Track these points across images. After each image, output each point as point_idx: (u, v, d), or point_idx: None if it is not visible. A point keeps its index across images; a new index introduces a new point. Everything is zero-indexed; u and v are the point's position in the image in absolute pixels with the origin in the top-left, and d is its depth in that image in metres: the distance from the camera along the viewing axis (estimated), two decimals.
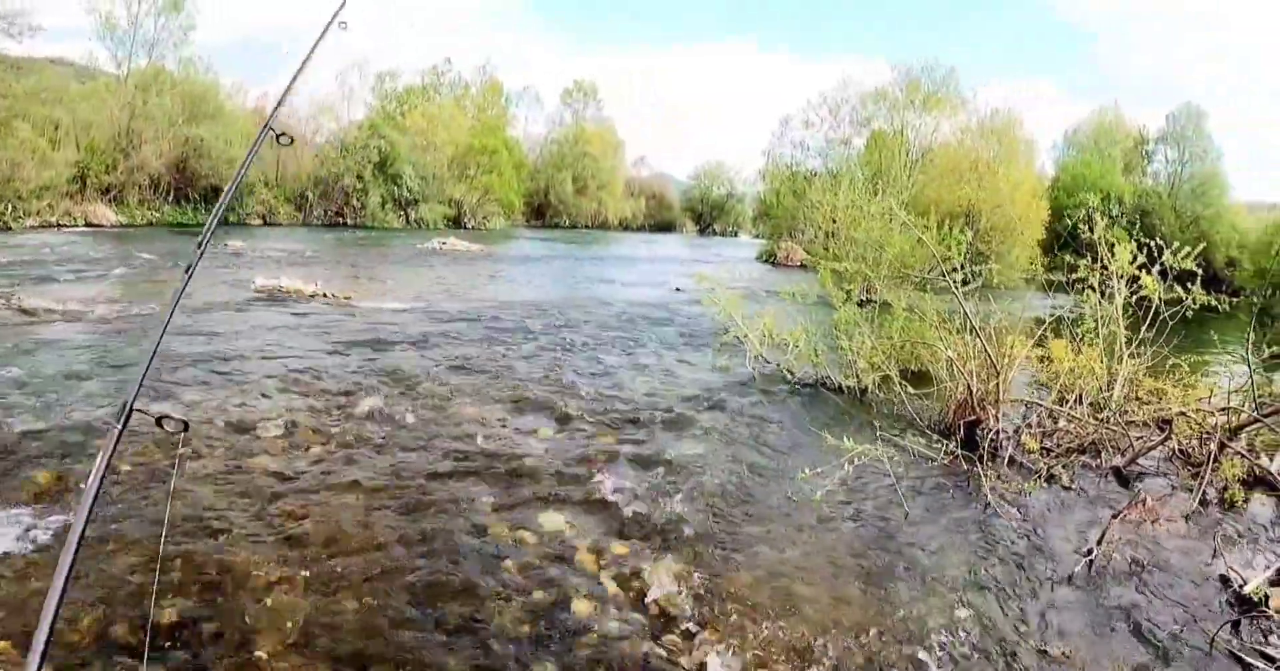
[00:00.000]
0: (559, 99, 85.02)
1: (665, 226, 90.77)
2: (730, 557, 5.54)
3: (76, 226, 34.01)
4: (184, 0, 44.89)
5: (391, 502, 5.94)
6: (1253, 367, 8.44)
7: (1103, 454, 8.29)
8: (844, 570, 5.50)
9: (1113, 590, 5.41)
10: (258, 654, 3.93)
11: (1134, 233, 9.29)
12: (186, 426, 2.19)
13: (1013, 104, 66.47)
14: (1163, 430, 8.36)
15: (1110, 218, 9.88)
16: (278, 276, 18.05)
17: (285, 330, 12.66)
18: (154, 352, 2.37)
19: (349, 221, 50.91)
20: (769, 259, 45.00)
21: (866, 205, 18.02)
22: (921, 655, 4.43)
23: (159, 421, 2.15)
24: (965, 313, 8.81)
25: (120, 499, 5.55)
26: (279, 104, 3.25)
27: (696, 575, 5.15)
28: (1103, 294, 9.34)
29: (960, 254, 9.18)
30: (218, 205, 3.10)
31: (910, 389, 9.51)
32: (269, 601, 4.38)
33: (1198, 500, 7.10)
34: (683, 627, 4.53)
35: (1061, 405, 8.96)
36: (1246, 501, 7.32)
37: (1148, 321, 9.06)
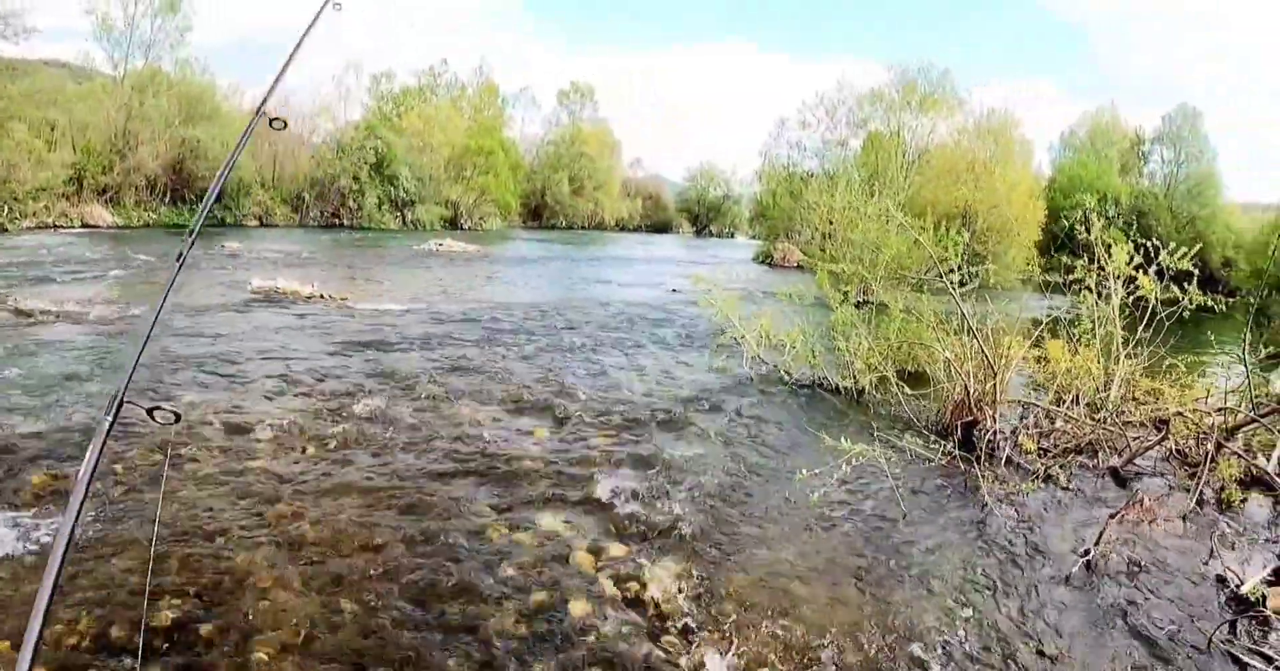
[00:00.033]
0: (555, 100, 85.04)
1: (661, 227, 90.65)
2: (728, 558, 5.54)
3: (73, 228, 33.94)
4: (181, 1, 44.90)
5: (390, 503, 5.94)
6: (1249, 368, 8.45)
7: (1100, 454, 8.31)
8: (842, 570, 5.50)
9: (1110, 590, 5.41)
10: (257, 655, 3.93)
11: (1130, 233, 9.32)
12: (178, 417, 2.17)
13: (1013, 104, 66.75)
14: (1160, 430, 8.37)
15: (1107, 218, 9.88)
16: (274, 278, 18.04)
17: (282, 331, 12.65)
18: (144, 343, 2.35)
19: (345, 222, 50.81)
20: (765, 260, 44.97)
21: (863, 206, 17.98)
22: (919, 655, 4.44)
23: (150, 413, 2.14)
24: (962, 313, 8.82)
25: (119, 500, 5.55)
26: (272, 88, 3.16)
27: (694, 576, 5.16)
28: (1099, 294, 9.35)
29: (957, 255, 9.19)
30: (211, 188, 3.06)
31: (907, 390, 9.52)
32: (268, 602, 4.38)
33: (1195, 500, 7.11)
34: (681, 628, 4.53)
35: (1058, 405, 8.97)
36: (1243, 501, 7.33)
37: (1144, 322, 9.08)
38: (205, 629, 4.09)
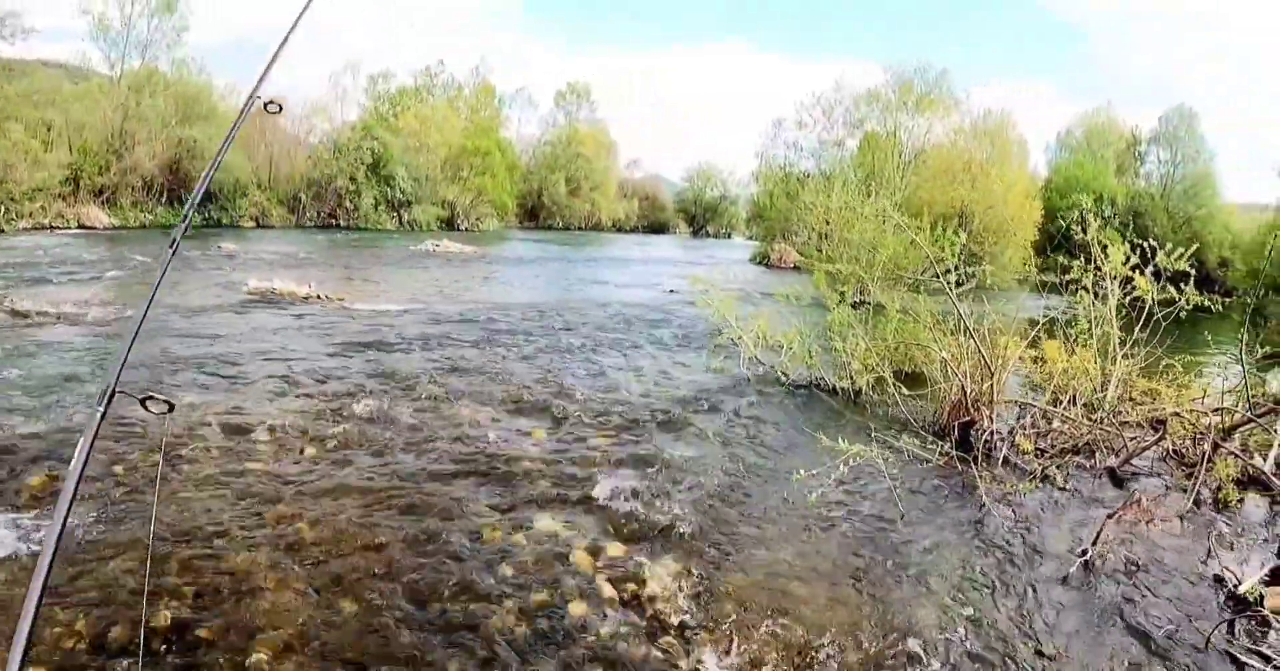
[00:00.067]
0: (552, 101, 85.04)
1: (658, 228, 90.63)
2: (727, 558, 5.54)
3: (69, 228, 33.93)
4: (177, 1, 44.86)
5: (390, 503, 5.93)
6: (1246, 368, 8.46)
7: (1097, 454, 8.31)
8: (840, 570, 5.50)
9: (1108, 590, 5.42)
10: (257, 655, 3.93)
11: (1127, 233, 9.32)
12: (171, 407, 2.17)
13: (1012, 105, 66.70)
14: (1157, 430, 8.38)
15: (1103, 219, 9.89)
16: (271, 278, 18.03)
17: (279, 332, 12.65)
18: (136, 332, 2.34)
19: (342, 223, 50.81)
20: (762, 261, 44.96)
21: (860, 207, 18.00)
22: (918, 655, 4.44)
23: (143, 402, 2.14)
24: (959, 314, 8.83)
25: (118, 501, 5.55)
26: (266, 70, 3.11)
27: (693, 575, 5.16)
28: (1096, 295, 9.35)
29: (954, 255, 9.20)
30: (206, 171, 3.03)
31: (905, 390, 9.53)
32: (268, 602, 4.38)
33: (1192, 500, 7.12)
34: (679, 628, 4.54)
35: (1055, 406, 8.98)
36: (1241, 501, 7.34)
37: (1141, 322, 9.08)
38: (204, 629, 4.08)
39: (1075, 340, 9.46)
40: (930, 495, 7.09)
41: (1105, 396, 8.98)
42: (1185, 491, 7.34)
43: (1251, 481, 7.67)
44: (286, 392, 8.86)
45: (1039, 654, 4.55)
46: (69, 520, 1.77)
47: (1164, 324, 8.95)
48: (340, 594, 4.55)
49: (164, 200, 41.43)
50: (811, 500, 6.34)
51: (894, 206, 13.41)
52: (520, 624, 4.42)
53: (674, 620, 4.61)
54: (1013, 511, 6.75)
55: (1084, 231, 9.30)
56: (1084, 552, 5.81)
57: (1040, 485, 7.32)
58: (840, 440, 6.64)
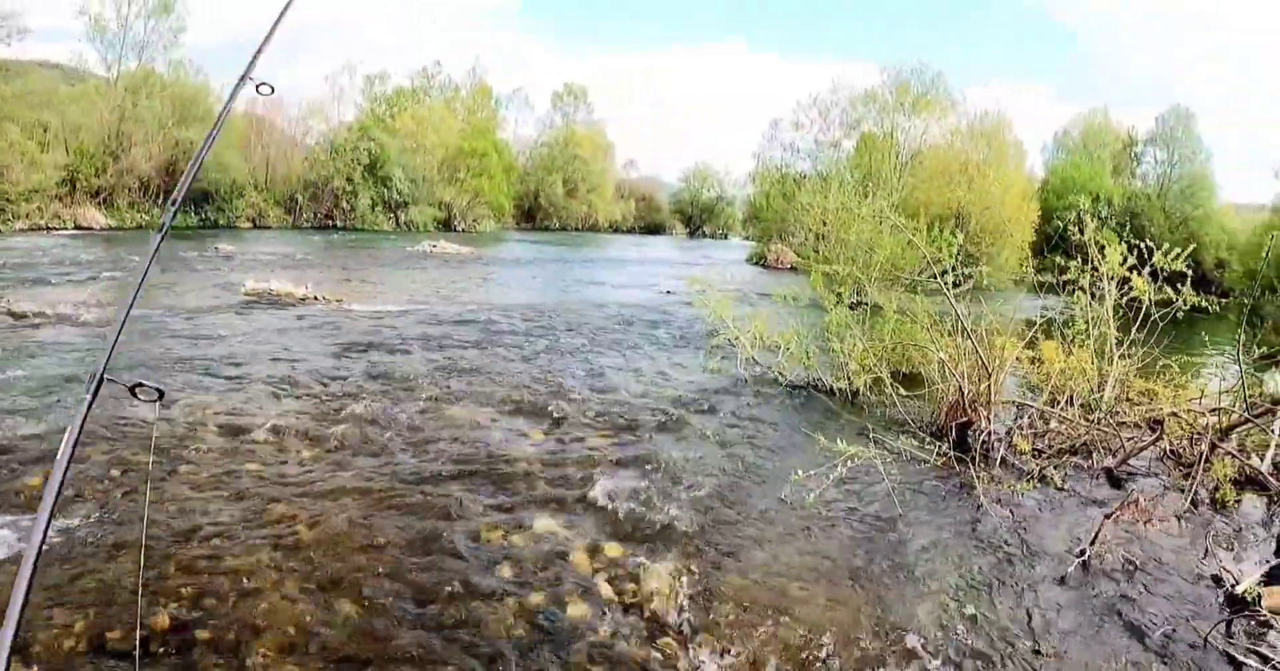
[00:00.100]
0: (549, 102, 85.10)
1: (655, 229, 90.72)
2: (725, 558, 5.54)
3: (66, 229, 33.94)
4: (174, 2, 44.95)
5: (386, 505, 5.93)
6: (1243, 368, 8.47)
7: (1094, 455, 8.31)
8: (838, 571, 5.50)
9: (1106, 589, 5.42)
10: (256, 656, 3.92)
11: (1124, 234, 9.30)
12: (162, 394, 2.16)
13: (1011, 106, 66.73)
14: (1154, 431, 8.39)
15: (1100, 219, 9.89)
16: (268, 279, 18.03)
17: (277, 333, 12.64)
18: (124, 320, 2.34)
19: (339, 224, 50.86)
20: (759, 261, 45.00)
21: (857, 207, 18.00)
22: (917, 655, 4.44)
23: (133, 390, 2.13)
24: (956, 314, 8.83)
25: (114, 502, 5.54)
26: (258, 52, 3.09)
27: (692, 576, 5.16)
28: (1093, 295, 9.35)
29: (951, 256, 9.21)
30: (197, 154, 2.95)
31: (902, 391, 9.54)
32: (266, 603, 4.38)
33: (1189, 500, 7.12)
34: (678, 628, 4.53)
35: (1053, 406, 8.98)
36: (1238, 501, 7.34)
37: (1138, 323, 9.09)
38: (203, 630, 4.08)
39: (1072, 341, 9.46)
40: (928, 495, 7.09)
41: (1102, 397, 8.98)
42: (1183, 491, 7.34)
43: (1249, 481, 7.67)
44: (283, 393, 8.86)
45: (1037, 653, 4.56)
46: (57, 518, 1.76)
47: (1161, 324, 8.95)
48: (339, 594, 4.55)
49: (160, 201, 41.39)
50: (810, 501, 6.34)
51: (891, 207, 13.39)
52: (519, 624, 4.42)
53: (673, 620, 4.61)
54: (1010, 511, 6.75)
55: (1081, 232, 9.30)
56: (1082, 552, 5.81)
57: (1038, 485, 7.32)
58: (839, 441, 6.65)
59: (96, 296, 15.05)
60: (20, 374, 8.81)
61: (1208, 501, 7.35)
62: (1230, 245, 47.33)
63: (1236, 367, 8.81)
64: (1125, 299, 9.18)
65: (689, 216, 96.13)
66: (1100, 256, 9.15)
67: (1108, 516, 6.36)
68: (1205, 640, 4.75)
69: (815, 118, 51.87)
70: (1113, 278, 9.15)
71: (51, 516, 1.82)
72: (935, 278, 9.05)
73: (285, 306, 15.64)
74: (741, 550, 5.72)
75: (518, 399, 9.34)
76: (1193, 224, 50.03)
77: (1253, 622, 5.04)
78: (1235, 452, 7.74)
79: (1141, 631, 4.87)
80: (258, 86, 2.94)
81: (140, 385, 2.13)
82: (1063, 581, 5.51)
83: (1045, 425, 8.89)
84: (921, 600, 5.11)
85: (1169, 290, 8.82)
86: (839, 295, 11.21)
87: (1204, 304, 8.96)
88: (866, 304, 11.49)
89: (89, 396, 2.06)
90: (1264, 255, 27.16)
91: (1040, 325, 9.78)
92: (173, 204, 2.72)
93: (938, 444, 7.90)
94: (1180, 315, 8.87)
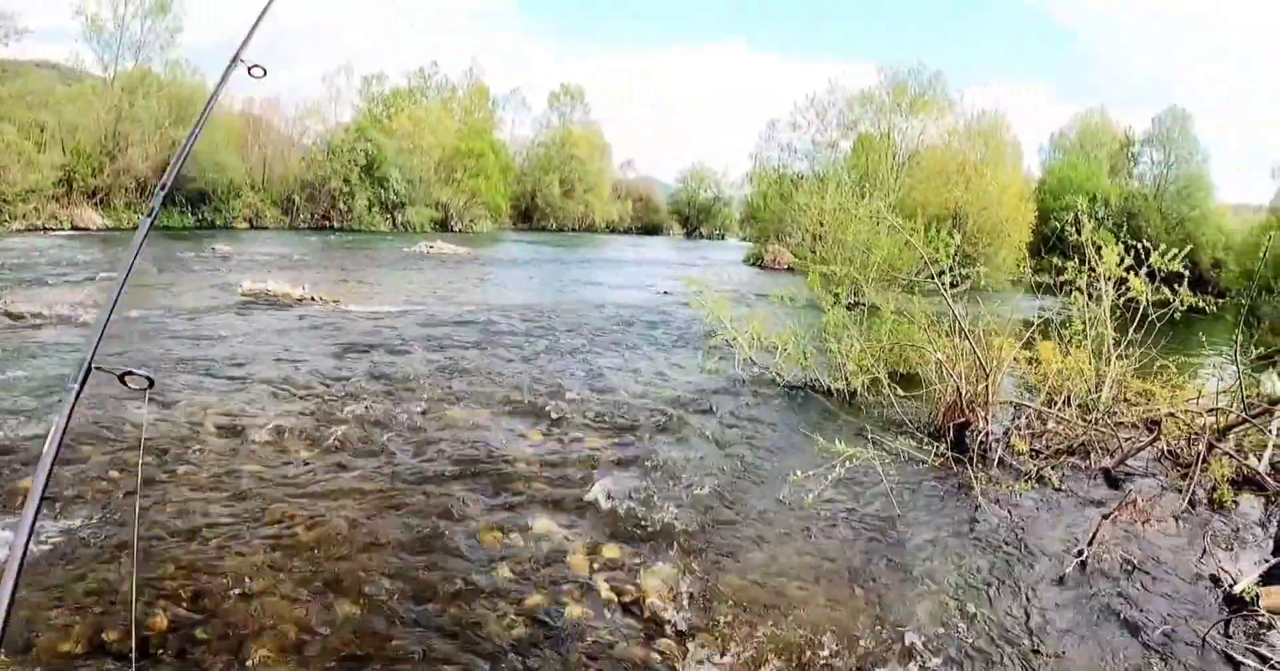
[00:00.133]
0: (546, 102, 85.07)
1: (652, 229, 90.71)
2: (724, 559, 5.54)
3: (62, 230, 33.89)
4: (171, 2, 44.80)
5: (384, 506, 5.93)
6: (1240, 368, 8.48)
7: (1092, 455, 8.32)
8: (837, 571, 5.51)
9: (1104, 590, 5.43)
10: (254, 657, 3.92)
11: (1120, 235, 9.31)
12: (151, 383, 2.15)
13: (1011, 106, 66.76)
14: (1151, 431, 8.41)
15: (1097, 220, 9.90)
16: (265, 280, 18.01)
17: (275, 333, 12.64)
18: (113, 307, 2.33)
19: (336, 224, 50.80)
20: (756, 262, 45.01)
21: (854, 208, 18.02)
22: (915, 655, 4.44)
23: (122, 378, 2.12)
24: (954, 315, 8.84)
25: (112, 503, 5.54)
26: (250, 32, 3.04)
27: (690, 577, 5.16)
28: (1090, 296, 9.36)
29: (948, 256, 9.22)
30: (187, 139, 2.93)
31: (900, 391, 9.54)
32: (265, 604, 4.37)
33: (1187, 500, 7.13)
34: (676, 629, 4.54)
35: (1050, 407, 8.99)
36: (1235, 501, 7.35)
37: (1135, 323, 9.10)
38: (201, 631, 4.08)
39: (1070, 341, 9.47)
40: (926, 496, 7.10)
41: (1100, 397, 8.99)
42: (1180, 492, 7.36)
43: (1246, 481, 7.68)
44: (281, 393, 8.85)
45: (1036, 652, 4.56)
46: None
47: (1158, 325, 8.96)
48: (337, 595, 4.55)
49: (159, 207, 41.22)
50: (808, 501, 6.35)
51: (888, 208, 13.41)
52: (518, 625, 4.42)
53: (671, 621, 4.62)
54: (1008, 512, 6.76)
55: (1078, 232, 9.30)
56: (1080, 553, 5.82)
57: (1036, 486, 7.33)
58: (837, 441, 6.65)
59: (94, 297, 15.01)
60: (22, 374, 8.81)
61: (1205, 501, 7.36)
62: (1226, 245, 47.42)
63: (1233, 368, 8.81)
64: (1122, 299, 9.19)
65: (686, 217, 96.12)
66: (1097, 257, 9.16)
67: (1106, 516, 6.37)
68: (1203, 640, 4.76)
69: (812, 118, 51.87)
70: (1110, 278, 9.16)
71: (40, 507, 1.81)
72: (932, 278, 9.06)
73: (283, 307, 15.63)
74: (740, 550, 5.72)
75: (516, 399, 9.33)
76: (1189, 224, 50.14)
77: (1251, 622, 5.05)
78: (1232, 453, 7.75)
79: (1140, 631, 4.88)
80: (250, 69, 2.89)
81: (129, 373, 2.11)
82: (1061, 581, 5.52)
83: (1043, 425, 8.91)
84: (920, 600, 5.12)
85: (1166, 290, 8.83)
86: (836, 296, 11.21)
87: (1201, 304, 8.97)
88: (864, 304, 11.50)
89: (76, 385, 2.04)
90: (1261, 255, 27.22)
91: (1038, 326, 9.79)
92: (161, 188, 2.70)
93: (935, 444, 7.91)
94: (1177, 315, 8.88)
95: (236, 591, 4.48)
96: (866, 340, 10.70)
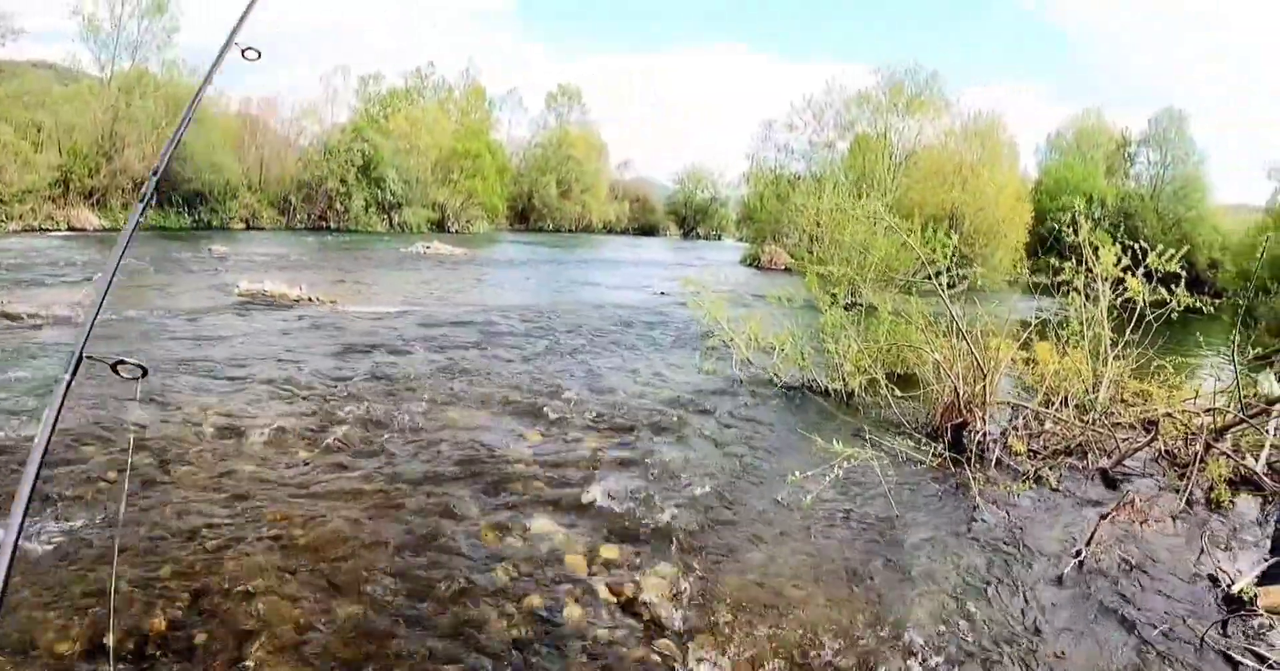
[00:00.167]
0: (543, 103, 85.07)
1: (649, 230, 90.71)
2: (722, 560, 5.55)
3: (59, 230, 33.83)
4: (168, 2, 44.72)
5: (385, 505, 5.93)
6: (1237, 368, 8.49)
7: (1089, 455, 8.34)
8: (835, 572, 5.51)
9: (1102, 590, 5.44)
10: (252, 658, 3.92)
11: (1117, 235, 9.33)
12: (145, 372, 2.15)
13: (1009, 107, 66.83)
14: (1149, 431, 8.42)
15: (1094, 220, 9.90)
16: (262, 281, 17.98)
17: (272, 334, 12.62)
18: (103, 297, 2.33)
19: (332, 225, 50.76)
20: (753, 262, 45.02)
21: (851, 208, 18.02)
22: (914, 655, 4.45)
23: (115, 367, 2.11)
24: (951, 315, 8.85)
25: (105, 504, 5.54)
26: (244, 15, 3.03)
27: (687, 578, 5.16)
28: (1087, 296, 9.37)
29: (945, 257, 9.23)
30: (180, 124, 2.93)
31: (897, 391, 9.55)
32: (263, 605, 4.38)
33: (1184, 500, 7.15)
34: (675, 630, 4.54)
35: (1048, 407, 9.00)
36: (1233, 501, 7.37)
37: (1132, 323, 9.11)
38: (199, 632, 4.08)
39: (1067, 341, 9.48)
40: (924, 496, 7.11)
41: (1097, 397, 9.01)
42: (1178, 492, 7.37)
43: (1244, 481, 7.71)
44: (279, 394, 8.85)
45: (1034, 653, 4.57)
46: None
47: (1155, 325, 8.97)
48: (335, 596, 4.55)
49: (154, 202, 41.16)
50: (807, 502, 6.36)
51: (885, 208, 13.42)
52: (518, 625, 4.43)
53: (671, 620, 4.62)
54: (1006, 512, 6.78)
55: (1075, 233, 9.31)
56: (1078, 553, 5.83)
57: (1033, 486, 7.34)
58: (834, 442, 6.66)
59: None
60: (23, 374, 8.80)
61: (1203, 501, 7.38)
62: (1223, 246, 47.49)
63: (1230, 368, 8.82)
64: (1119, 300, 9.20)
65: (683, 217, 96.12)
66: (1094, 257, 9.17)
67: (1103, 516, 6.39)
68: (1202, 639, 4.78)
69: (809, 119, 52.01)
70: (1107, 278, 9.17)
71: (30, 499, 1.81)
72: (930, 278, 9.08)
73: (280, 308, 15.61)
74: (739, 550, 5.73)
75: (514, 400, 9.34)
76: (1186, 225, 50.23)
77: (1249, 622, 5.07)
78: (1230, 453, 7.77)
79: (1138, 631, 4.90)
80: (244, 51, 2.89)
81: (122, 362, 2.11)
82: (1059, 581, 5.54)
83: (1040, 426, 8.92)
84: (918, 600, 5.13)
85: (1163, 291, 8.84)
86: (833, 296, 11.23)
87: (1198, 305, 8.98)
88: (861, 305, 11.51)
89: (68, 376, 2.04)
90: (1258, 256, 27.26)
91: (1035, 326, 9.80)
92: (154, 173, 2.69)
93: (933, 445, 7.93)
94: (1174, 316, 8.89)
95: (237, 591, 4.49)
96: (864, 341, 10.71)
